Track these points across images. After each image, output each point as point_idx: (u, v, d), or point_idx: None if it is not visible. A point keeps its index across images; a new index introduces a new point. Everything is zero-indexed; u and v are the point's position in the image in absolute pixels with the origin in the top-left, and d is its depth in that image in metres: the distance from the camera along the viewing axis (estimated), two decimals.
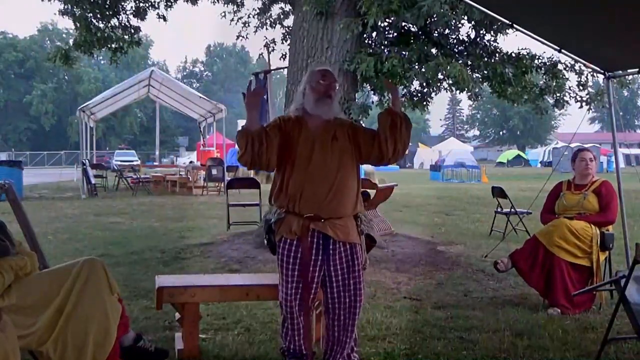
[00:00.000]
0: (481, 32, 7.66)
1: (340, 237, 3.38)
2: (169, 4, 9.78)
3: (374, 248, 7.16)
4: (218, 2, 10.22)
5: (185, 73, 79.19)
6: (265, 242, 3.60)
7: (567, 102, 7.81)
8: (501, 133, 72.26)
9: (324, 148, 3.38)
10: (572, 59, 6.16)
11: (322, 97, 3.44)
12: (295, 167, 3.38)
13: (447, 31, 7.61)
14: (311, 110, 3.45)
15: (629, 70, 5.55)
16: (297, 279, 3.40)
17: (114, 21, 9.55)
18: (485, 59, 7.45)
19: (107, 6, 9.29)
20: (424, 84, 7.56)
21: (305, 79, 3.55)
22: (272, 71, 10.56)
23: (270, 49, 10.03)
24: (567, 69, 7.62)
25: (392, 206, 12.19)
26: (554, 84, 7.62)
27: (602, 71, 5.45)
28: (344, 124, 3.53)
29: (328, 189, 3.34)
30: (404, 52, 7.31)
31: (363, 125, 3.61)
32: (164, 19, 9.79)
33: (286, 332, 3.51)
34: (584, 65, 6.43)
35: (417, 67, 7.10)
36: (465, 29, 8.11)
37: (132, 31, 9.72)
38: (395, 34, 7.68)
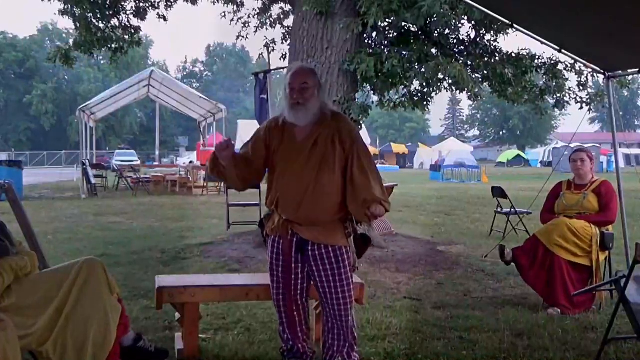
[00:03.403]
0: (481, 32, 7.66)
1: (319, 239, 3.34)
2: (169, 4, 9.79)
3: (374, 248, 7.15)
4: (218, 2, 10.22)
5: (185, 73, 79.20)
6: (262, 235, 3.63)
7: (567, 102, 7.81)
8: (501, 133, 72.22)
9: (302, 155, 3.32)
10: (572, 59, 6.16)
11: (293, 105, 3.32)
12: (277, 171, 3.41)
13: (447, 31, 7.60)
14: (288, 118, 3.38)
15: (629, 70, 5.54)
16: (280, 275, 3.44)
17: (114, 21, 9.56)
18: (485, 59, 7.45)
19: (107, 6, 9.29)
20: (424, 84, 7.56)
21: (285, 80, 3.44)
22: (272, 71, 10.56)
23: (270, 49, 10.02)
24: (567, 69, 7.62)
25: (392, 206, 12.15)
26: (554, 84, 7.62)
27: (602, 71, 5.45)
28: (334, 125, 3.36)
29: (302, 197, 3.29)
30: (404, 52, 7.31)
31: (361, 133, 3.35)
32: (164, 19, 9.79)
33: (282, 330, 3.56)
34: (584, 65, 6.43)
35: (417, 67, 7.10)
36: (465, 29, 8.13)
37: (132, 31, 9.73)
38: (395, 34, 7.67)
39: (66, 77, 59.40)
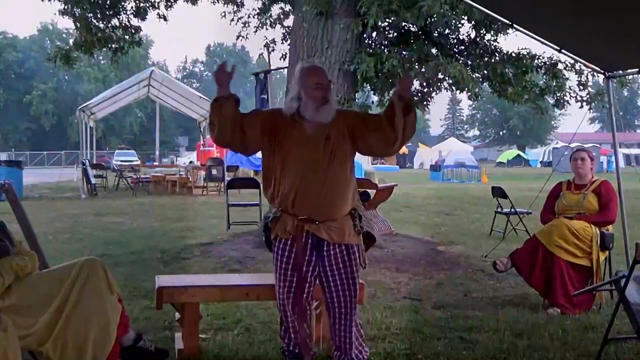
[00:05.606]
0: (481, 32, 7.66)
1: (335, 239, 3.33)
2: (169, 4, 9.78)
3: (374, 248, 7.15)
4: (218, 2, 10.21)
5: (185, 73, 79.18)
6: (264, 239, 3.60)
7: (567, 101, 7.82)
8: (501, 133, 72.21)
9: (316, 148, 3.29)
10: (572, 59, 6.16)
11: (322, 103, 3.31)
12: (287, 167, 3.30)
13: (447, 31, 7.62)
14: (311, 117, 3.33)
15: (629, 70, 5.55)
16: (289, 278, 3.39)
17: (114, 21, 9.55)
18: (485, 59, 7.46)
19: (107, 6, 9.29)
20: (424, 84, 7.57)
21: (298, 81, 3.36)
22: (272, 71, 10.56)
23: (270, 49, 10.02)
24: (567, 68, 7.62)
25: (392, 206, 12.18)
26: (554, 83, 7.63)
27: (602, 71, 5.45)
28: (340, 119, 3.38)
29: (320, 190, 3.26)
30: (404, 52, 7.32)
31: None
32: (164, 19, 9.78)
33: (284, 332, 3.53)
34: (584, 65, 6.43)
35: (417, 67, 7.11)
36: (465, 29, 8.13)
37: (133, 31, 9.72)
38: (395, 34, 7.68)
39: (66, 77, 59.35)
